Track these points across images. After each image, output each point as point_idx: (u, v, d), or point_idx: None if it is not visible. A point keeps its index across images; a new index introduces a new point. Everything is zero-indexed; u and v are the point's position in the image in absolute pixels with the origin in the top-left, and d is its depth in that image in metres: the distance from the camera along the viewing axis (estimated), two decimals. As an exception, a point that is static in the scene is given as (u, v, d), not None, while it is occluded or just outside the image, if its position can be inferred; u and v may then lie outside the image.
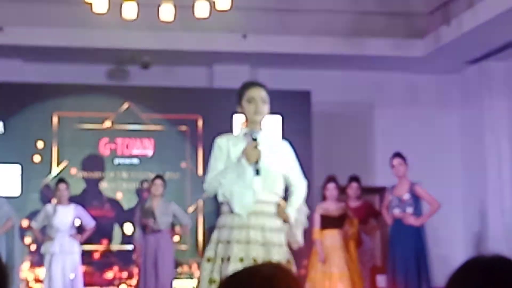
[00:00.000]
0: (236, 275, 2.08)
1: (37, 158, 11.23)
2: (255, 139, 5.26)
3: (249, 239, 5.17)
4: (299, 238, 5.49)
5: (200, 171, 11.45)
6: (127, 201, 11.42)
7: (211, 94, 11.83)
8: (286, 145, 5.55)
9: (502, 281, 2.08)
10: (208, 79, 12.50)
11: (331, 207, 10.37)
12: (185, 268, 11.13)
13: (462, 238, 12.54)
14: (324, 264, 10.11)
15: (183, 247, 11.20)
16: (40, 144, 11.26)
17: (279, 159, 5.40)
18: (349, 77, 12.77)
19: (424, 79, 13.01)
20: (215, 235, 5.35)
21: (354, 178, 11.01)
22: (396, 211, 9.86)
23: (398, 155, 10.04)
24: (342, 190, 10.78)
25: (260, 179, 5.24)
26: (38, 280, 10.62)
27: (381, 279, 10.94)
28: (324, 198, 10.43)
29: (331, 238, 10.24)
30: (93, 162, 11.44)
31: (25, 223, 10.83)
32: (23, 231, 10.85)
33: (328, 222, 10.27)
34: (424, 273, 9.62)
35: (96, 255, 11.16)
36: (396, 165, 9.95)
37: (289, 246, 5.44)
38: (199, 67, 12.41)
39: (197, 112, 11.67)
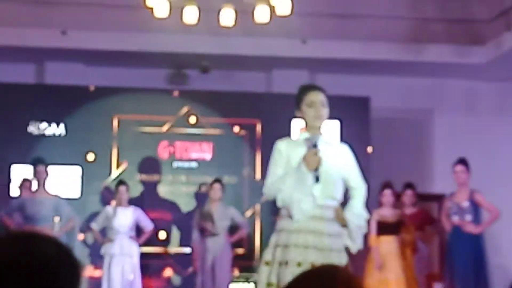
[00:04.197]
0: (297, 280, 2.09)
1: (97, 160, 11.36)
2: (315, 146, 5.25)
3: (307, 243, 5.16)
4: (358, 243, 5.46)
5: (258, 175, 11.47)
6: (186, 204, 11.49)
7: (270, 99, 11.86)
8: (346, 148, 5.53)
9: None
10: (267, 84, 12.53)
11: (388, 213, 10.33)
12: (242, 272, 11.15)
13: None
14: (380, 271, 10.07)
15: (241, 251, 11.23)
16: (100, 146, 11.39)
17: (339, 162, 5.37)
18: (408, 83, 12.69)
19: (485, 86, 12.87)
20: (273, 239, 5.35)
21: (409, 185, 10.93)
22: (455, 219, 9.77)
23: (462, 161, 9.93)
24: (398, 197, 10.73)
25: (320, 185, 5.22)
26: (98, 282, 10.71)
27: (438, 287, 10.84)
28: (380, 204, 10.39)
29: (388, 245, 10.20)
30: (152, 165, 11.53)
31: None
32: (83, 232, 10.99)
33: (384, 228, 10.23)
34: (482, 282, 9.52)
35: (154, 258, 11.23)
36: (459, 171, 9.85)
37: (348, 251, 5.42)
38: (258, 72, 12.44)
39: (256, 116, 11.71)
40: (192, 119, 11.62)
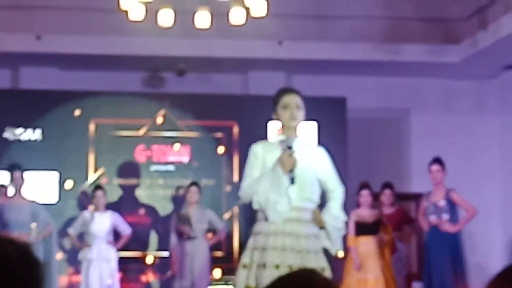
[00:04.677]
0: (273, 285, 2.09)
1: (74, 165, 11.30)
2: (290, 147, 5.26)
3: (285, 246, 5.17)
4: (337, 245, 5.47)
5: (235, 177, 11.46)
6: (163, 208, 11.46)
7: (247, 101, 11.84)
8: (322, 151, 5.55)
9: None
10: (243, 86, 12.51)
11: (366, 213, 10.34)
12: (220, 275, 11.13)
13: (499, 246, 12.41)
14: (359, 271, 10.08)
15: (219, 253, 11.21)
16: (77, 151, 11.33)
17: (315, 165, 5.40)
18: (385, 83, 12.72)
19: (461, 85, 12.92)
20: (251, 241, 5.36)
21: (387, 185, 10.96)
22: (432, 218, 9.79)
23: (437, 161, 9.94)
24: (376, 197, 10.74)
25: (296, 187, 5.24)
26: (75, 286, 10.66)
27: (417, 286, 10.87)
28: (358, 204, 10.41)
29: (366, 245, 10.21)
30: (129, 169, 11.50)
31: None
32: (61, 238, 10.93)
33: (362, 228, 10.24)
34: (460, 281, 9.54)
35: (132, 262, 11.19)
36: (435, 171, 9.87)
37: (327, 253, 5.42)
38: (234, 74, 12.43)
39: (232, 118, 11.70)
40: (169, 123, 11.58)
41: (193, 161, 11.58)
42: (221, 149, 11.66)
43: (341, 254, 5.56)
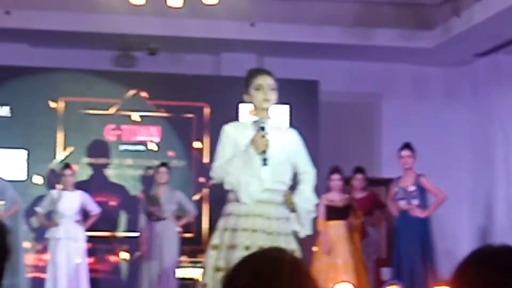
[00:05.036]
0: (243, 261, 2.06)
1: (42, 143, 11.19)
2: (263, 128, 5.22)
3: (256, 227, 5.15)
4: (307, 227, 5.44)
5: (205, 159, 11.40)
6: (133, 188, 11.39)
7: (218, 82, 11.77)
8: (294, 133, 5.51)
9: (510, 269, 2.05)
10: (215, 67, 12.45)
11: (336, 198, 10.34)
12: (189, 256, 11.09)
13: (467, 231, 12.50)
14: (328, 255, 10.08)
15: (188, 235, 11.16)
16: (45, 129, 11.22)
17: (287, 147, 5.36)
18: (357, 67, 12.71)
19: (433, 71, 12.95)
20: (221, 223, 5.32)
21: (359, 169, 10.97)
22: (402, 203, 9.81)
23: (407, 146, 9.96)
24: (347, 181, 10.74)
25: (268, 169, 5.20)
26: (43, 266, 10.56)
27: (386, 271, 10.89)
28: (328, 189, 10.40)
29: (336, 229, 10.22)
30: (99, 148, 11.41)
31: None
32: (28, 216, 10.83)
33: (332, 213, 10.25)
34: (429, 266, 9.57)
35: (101, 242, 11.12)
36: (405, 156, 9.88)
37: (296, 235, 5.39)
38: (206, 54, 12.37)
39: (203, 100, 11.63)
40: (139, 102, 11.49)
41: (162, 141, 11.52)
42: (191, 130, 11.60)
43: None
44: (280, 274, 1.98)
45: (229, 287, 2.02)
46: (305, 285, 1.97)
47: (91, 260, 10.66)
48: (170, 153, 11.43)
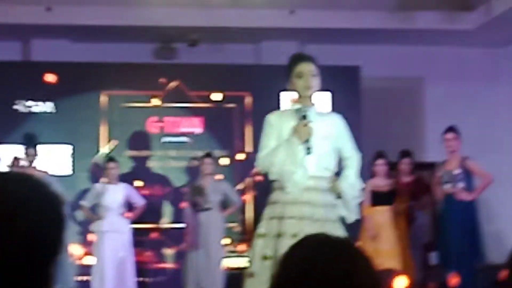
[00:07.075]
0: (292, 248, 2.03)
1: (86, 138, 11.27)
2: (305, 117, 5.19)
3: (302, 214, 5.12)
4: (354, 213, 5.42)
5: (248, 148, 11.41)
6: (177, 179, 11.42)
7: (259, 71, 11.76)
8: (338, 118, 5.47)
9: None
10: (256, 56, 12.44)
11: (381, 183, 10.29)
12: (235, 246, 11.12)
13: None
14: (373, 240, 10.04)
15: (234, 225, 11.18)
16: (89, 123, 11.30)
17: (331, 133, 5.33)
18: (399, 51, 12.62)
19: (475, 53, 12.81)
20: (267, 211, 5.31)
21: (406, 153, 10.88)
22: (447, 187, 9.71)
23: (451, 129, 9.86)
24: (393, 166, 10.67)
25: (312, 157, 5.17)
26: (89, 259, 10.64)
27: (433, 256, 10.81)
28: (373, 174, 10.35)
29: (381, 215, 10.17)
30: (141, 141, 11.46)
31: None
32: (73, 210, 10.91)
33: (377, 198, 10.20)
34: (476, 249, 9.48)
35: (147, 234, 11.18)
36: (450, 139, 9.78)
37: (343, 221, 5.37)
38: (247, 44, 12.35)
39: (245, 89, 11.63)
40: (181, 94, 11.52)
41: (206, 132, 11.54)
42: (234, 120, 11.61)
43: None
44: (336, 259, 1.95)
45: (282, 273, 2.00)
46: (359, 267, 1.94)
47: (137, 252, 10.70)
48: (214, 144, 11.44)
